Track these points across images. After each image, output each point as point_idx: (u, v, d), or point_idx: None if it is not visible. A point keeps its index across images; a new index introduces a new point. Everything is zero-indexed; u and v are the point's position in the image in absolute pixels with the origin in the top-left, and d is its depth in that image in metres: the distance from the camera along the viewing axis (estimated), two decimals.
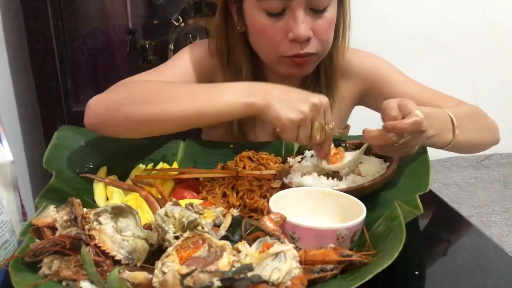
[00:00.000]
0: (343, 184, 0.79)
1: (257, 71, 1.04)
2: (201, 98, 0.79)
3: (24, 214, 0.77)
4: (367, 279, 0.53)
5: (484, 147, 0.99)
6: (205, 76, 1.04)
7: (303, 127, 0.73)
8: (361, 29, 1.92)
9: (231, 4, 0.97)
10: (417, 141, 0.74)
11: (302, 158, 0.87)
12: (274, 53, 0.93)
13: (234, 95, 0.77)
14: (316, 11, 0.89)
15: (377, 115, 1.10)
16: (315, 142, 0.76)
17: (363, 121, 1.14)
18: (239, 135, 1.06)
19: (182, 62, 1.02)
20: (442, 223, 0.86)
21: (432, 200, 0.92)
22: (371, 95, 1.07)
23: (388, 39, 1.98)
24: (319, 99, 0.74)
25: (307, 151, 0.88)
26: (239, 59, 1.01)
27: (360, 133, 0.76)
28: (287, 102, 0.73)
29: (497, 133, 1.02)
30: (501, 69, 2.14)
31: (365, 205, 0.69)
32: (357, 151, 0.83)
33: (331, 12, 0.91)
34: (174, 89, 0.83)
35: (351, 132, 1.16)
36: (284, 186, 0.82)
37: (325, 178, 0.80)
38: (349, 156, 0.85)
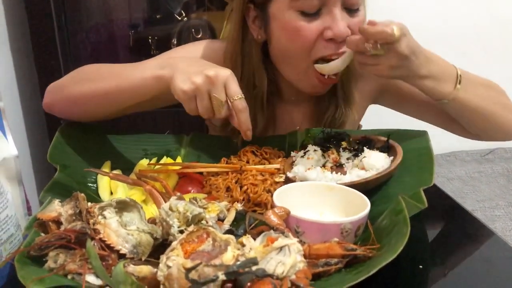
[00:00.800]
0: (347, 178, 0.78)
1: (271, 85, 0.99)
2: (121, 75, 0.83)
3: (29, 208, 0.77)
4: (371, 273, 0.53)
5: (496, 123, 0.92)
6: None
7: (200, 99, 0.74)
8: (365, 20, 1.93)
9: (250, 11, 0.92)
10: (390, 61, 0.76)
11: (305, 153, 0.87)
12: (304, 60, 0.88)
13: (146, 70, 0.80)
14: (350, 11, 0.87)
15: (385, 111, 1.09)
16: (221, 116, 0.76)
17: (373, 117, 1.14)
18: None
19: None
20: (446, 217, 0.86)
21: (436, 194, 0.92)
22: (388, 93, 1.04)
23: None
24: (216, 71, 0.74)
25: (310, 145, 0.88)
26: (255, 74, 0.96)
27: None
28: (184, 74, 0.75)
29: None
30: (504, 61, 2.13)
31: (369, 199, 0.69)
32: (345, 54, 0.83)
33: (362, 13, 0.89)
34: (107, 68, 0.88)
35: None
36: (288, 181, 0.82)
37: (329, 172, 0.80)
38: (346, 155, 0.85)
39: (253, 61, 0.96)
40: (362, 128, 1.15)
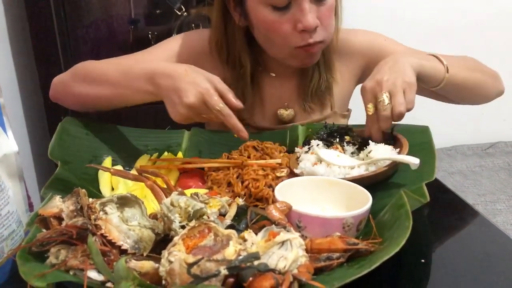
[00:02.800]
0: (355, 172, 0.78)
1: (257, 64, 1.05)
2: (117, 84, 0.90)
3: (30, 204, 0.77)
4: (373, 267, 0.53)
5: (486, 89, 1.01)
6: (203, 66, 1.00)
7: (196, 117, 0.83)
8: (366, 15, 1.92)
9: (231, 1, 0.96)
10: (398, 99, 0.79)
11: (309, 148, 0.87)
12: (286, 46, 0.94)
13: (140, 83, 0.86)
14: (318, 0, 0.91)
15: None
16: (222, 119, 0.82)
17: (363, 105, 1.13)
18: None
19: (154, 52, 1.05)
20: (448, 211, 0.86)
21: (437, 188, 0.92)
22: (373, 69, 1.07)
23: (393, 26, 1.96)
24: (206, 89, 0.80)
25: (313, 140, 0.88)
26: (240, 54, 1.01)
27: (360, 118, 0.85)
28: (172, 101, 0.82)
29: (498, 81, 1.03)
30: (506, 55, 2.12)
31: (371, 193, 0.68)
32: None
33: (331, 0, 0.93)
34: (104, 70, 0.94)
35: (352, 117, 1.16)
36: (293, 176, 0.82)
37: (337, 167, 0.80)
38: (350, 149, 0.85)
39: (237, 44, 1.01)
40: (357, 118, 1.15)
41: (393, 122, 0.87)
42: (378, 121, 0.81)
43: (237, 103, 0.84)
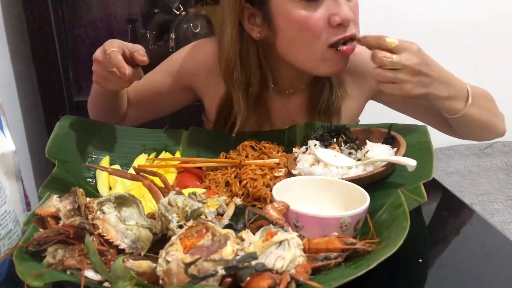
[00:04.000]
0: (352, 173, 0.78)
1: (267, 82, 1.00)
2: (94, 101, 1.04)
3: (27, 204, 0.77)
4: (371, 267, 0.53)
5: (491, 132, 0.99)
6: (206, 79, 1.05)
7: (103, 72, 0.87)
8: (364, 15, 1.91)
9: (245, 11, 0.91)
10: (406, 78, 0.79)
11: (306, 149, 0.87)
12: (318, 46, 0.88)
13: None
14: None
15: (384, 109, 1.09)
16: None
17: (370, 114, 1.14)
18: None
19: (161, 70, 1.10)
20: (445, 211, 0.86)
21: (435, 188, 0.92)
22: (383, 94, 1.04)
23: (390, 25, 1.96)
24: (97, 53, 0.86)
25: (310, 141, 0.88)
26: (251, 73, 0.97)
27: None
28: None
29: (503, 124, 1.01)
30: (504, 55, 2.12)
31: (369, 193, 0.69)
32: None
33: None
34: (93, 98, 1.06)
35: None
36: (292, 176, 0.82)
37: (335, 167, 0.80)
38: (347, 149, 0.85)
39: (250, 61, 0.96)
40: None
41: (389, 123, 0.88)
42: (376, 57, 0.79)
43: (142, 58, 0.83)
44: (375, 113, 1.16)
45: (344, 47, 0.87)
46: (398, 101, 1.05)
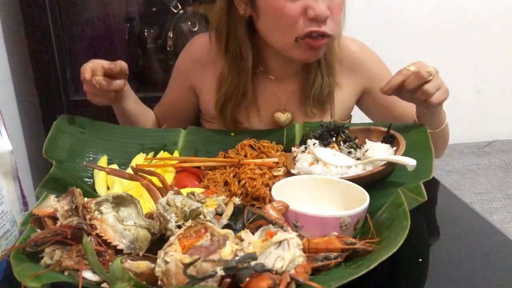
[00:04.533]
0: (352, 172, 0.78)
1: (257, 63, 1.04)
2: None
3: (25, 204, 0.77)
4: (371, 267, 0.52)
5: (441, 150, 1.05)
6: (201, 70, 1.08)
7: (92, 89, 0.95)
8: (363, 14, 1.92)
9: None
10: (440, 81, 0.85)
11: (306, 148, 0.86)
12: (290, 34, 0.92)
13: None
14: None
15: None
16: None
17: (362, 114, 1.14)
18: (234, 125, 1.07)
19: (172, 81, 1.16)
20: (445, 210, 0.86)
21: (434, 187, 0.92)
22: (369, 97, 1.09)
23: (390, 25, 1.97)
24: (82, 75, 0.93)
25: (309, 140, 0.88)
26: (241, 45, 1.00)
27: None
28: None
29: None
30: (503, 54, 2.13)
31: (368, 192, 0.68)
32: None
33: None
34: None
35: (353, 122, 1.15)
36: (291, 176, 0.81)
37: (334, 166, 0.79)
38: (347, 148, 0.85)
39: (238, 35, 1.00)
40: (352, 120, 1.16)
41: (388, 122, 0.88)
42: (411, 80, 0.83)
43: (115, 67, 0.93)
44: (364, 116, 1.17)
45: (310, 40, 0.92)
46: (376, 109, 1.10)
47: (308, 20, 0.90)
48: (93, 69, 0.92)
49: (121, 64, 0.95)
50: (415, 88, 0.83)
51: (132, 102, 1.07)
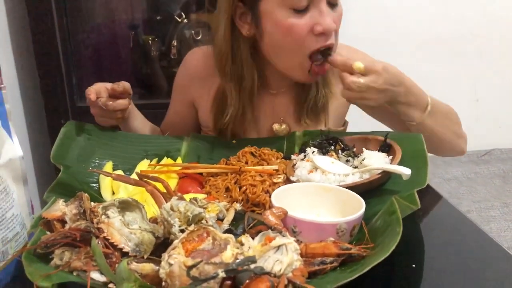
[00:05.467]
0: (349, 180, 0.80)
1: (259, 78, 1.04)
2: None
3: (32, 207, 0.79)
4: (365, 271, 0.55)
5: (448, 149, 1.05)
6: (199, 84, 1.11)
7: (99, 110, 0.99)
8: (362, 23, 1.94)
9: (238, 9, 0.96)
10: (372, 95, 0.88)
11: (305, 156, 0.89)
12: (299, 53, 0.94)
13: None
14: (332, 5, 0.93)
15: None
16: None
17: (359, 117, 1.16)
18: (231, 139, 1.08)
19: (173, 97, 1.19)
20: (440, 218, 0.88)
21: (430, 195, 0.94)
22: None
23: (388, 34, 1.99)
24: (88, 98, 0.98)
25: (308, 148, 0.90)
26: (243, 67, 1.01)
27: (357, 129, 0.89)
28: None
29: (464, 143, 1.07)
30: (501, 63, 2.15)
31: (365, 200, 0.70)
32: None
33: (340, 6, 0.95)
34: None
35: (349, 128, 1.17)
36: (290, 183, 0.83)
37: (332, 174, 0.82)
38: (345, 157, 0.87)
39: (242, 57, 1.01)
40: (348, 126, 1.18)
41: (384, 131, 0.90)
42: (345, 82, 0.87)
43: (118, 88, 0.97)
44: (362, 118, 1.19)
45: (317, 69, 0.95)
46: (373, 108, 1.08)
47: (314, 36, 0.91)
48: (97, 91, 0.96)
49: (124, 84, 0.98)
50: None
51: (139, 121, 1.11)
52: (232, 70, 1.01)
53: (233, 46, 1.00)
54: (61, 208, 0.65)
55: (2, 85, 0.72)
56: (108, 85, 0.98)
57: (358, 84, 0.86)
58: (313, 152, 0.88)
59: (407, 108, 0.94)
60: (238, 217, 0.76)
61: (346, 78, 0.87)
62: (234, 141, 1.05)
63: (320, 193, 0.76)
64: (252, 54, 1.01)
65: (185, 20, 1.68)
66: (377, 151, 0.88)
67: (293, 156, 0.92)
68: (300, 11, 0.91)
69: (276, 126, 1.08)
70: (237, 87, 1.03)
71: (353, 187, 0.77)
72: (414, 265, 0.69)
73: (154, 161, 0.98)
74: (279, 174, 0.88)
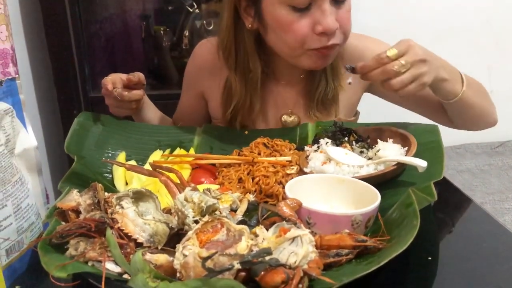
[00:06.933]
0: (364, 171, 0.80)
1: (265, 63, 1.04)
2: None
3: (46, 197, 0.80)
4: (381, 264, 0.54)
5: (485, 119, 1.02)
6: (208, 77, 1.10)
7: (113, 101, 1.01)
8: (376, 14, 1.92)
9: (242, 1, 0.95)
10: (421, 71, 0.80)
11: (318, 147, 0.88)
12: (300, 47, 0.92)
13: None
14: (338, 2, 0.90)
15: (384, 102, 1.10)
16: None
17: (371, 106, 1.14)
18: (240, 129, 1.08)
19: (183, 89, 1.19)
20: (455, 210, 0.87)
21: (445, 186, 0.93)
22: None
23: (403, 24, 1.96)
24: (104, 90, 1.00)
25: (322, 139, 0.89)
26: (249, 59, 1.00)
27: (369, 120, 0.86)
28: None
29: (495, 113, 1.04)
30: None
31: (379, 191, 0.70)
32: None
33: (349, 2, 0.92)
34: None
35: (361, 119, 1.16)
36: (303, 174, 0.83)
37: (346, 166, 0.81)
38: (359, 147, 0.86)
39: (246, 48, 1.00)
40: (365, 120, 1.16)
41: (398, 122, 0.88)
42: (389, 71, 0.80)
43: (134, 78, 0.98)
44: (374, 108, 1.17)
45: (323, 50, 0.91)
46: (390, 92, 1.06)
47: (316, 35, 0.89)
48: (113, 81, 0.97)
49: (139, 75, 0.99)
50: (382, 81, 0.81)
51: (152, 112, 1.12)
52: (237, 61, 1.01)
53: (236, 38, 1.00)
54: (75, 198, 0.65)
55: (17, 75, 0.72)
56: (123, 76, 0.99)
57: (403, 63, 0.79)
58: (326, 143, 0.88)
59: (450, 84, 0.88)
60: (251, 208, 0.76)
61: (388, 66, 0.79)
62: (246, 132, 1.04)
63: (334, 185, 0.76)
64: (258, 46, 1.00)
65: (197, 10, 1.67)
66: (391, 142, 0.87)
67: (306, 147, 0.91)
68: (302, 10, 0.88)
69: (285, 117, 1.07)
70: (243, 79, 1.02)
71: (368, 179, 0.76)
72: (429, 258, 0.68)
73: (167, 151, 0.98)
74: (292, 165, 0.87)
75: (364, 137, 0.90)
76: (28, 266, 0.68)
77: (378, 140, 0.87)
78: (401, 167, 0.81)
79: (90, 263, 0.57)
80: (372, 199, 0.68)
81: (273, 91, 1.08)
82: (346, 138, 0.90)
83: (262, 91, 1.06)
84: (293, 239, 0.57)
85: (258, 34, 0.99)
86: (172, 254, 0.57)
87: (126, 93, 0.98)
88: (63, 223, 0.63)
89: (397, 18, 1.96)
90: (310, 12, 0.89)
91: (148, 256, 0.57)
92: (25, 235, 0.68)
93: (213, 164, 0.93)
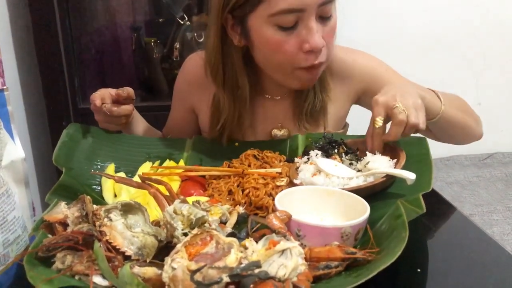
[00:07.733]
0: (353, 183, 0.80)
1: (253, 85, 1.03)
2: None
3: (33, 209, 0.79)
4: (370, 276, 0.54)
5: (470, 132, 1.02)
6: (197, 91, 1.10)
7: (102, 116, 1.00)
8: (365, 27, 1.94)
9: (228, 20, 0.94)
10: (412, 98, 0.82)
11: (308, 159, 0.88)
12: (288, 66, 0.92)
13: None
14: (323, 19, 0.90)
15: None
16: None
17: (360, 118, 1.15)
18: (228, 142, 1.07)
19: (173, 103, 1.19)
20: (444, 222, 0.88)
21: (434, 198, 0.93)
22: (368, 96, 1.06)
23: (391, 37, 1.99)
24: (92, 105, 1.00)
25: (311, 151, 0.90)
26: (237, 75, 1.00)
27: (358, 131, 0.84)
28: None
29: (480, 126, 1.04)
30: (504, 66, 2.14)
31: (369, 203, 0.70)
32: None
33: (334, 18, 0.92)
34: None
35: (350, 131, 1.17)
36: (293, 186, 0.83)
37: (336, 177, 0.81)
38: (348, 160, 0.86)
39: (234, 65, 0.99)
40: (354, 131, 1.17)
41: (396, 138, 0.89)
42: (390, 129, 0.81)
43: (122, 93, 0.98)
44: (363, 120, 1.17)
45: (313, 69, 0.92)
46: None
47: (303, 53, 0.89)
48: (102, 97, 0.97)
49: (128, 90, 0.99)
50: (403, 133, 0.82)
51: (141, 126, 1.11)
52: (225, 78, 1.00)
53: (224, 55, 0.99)
54: (63, 210, 0.64)
55: (5, 87, 0.71)
56: (112, 91, 0.98)
57: (402, 108, 0.80)
58: (316, 155, 0.88)
59: (431, 102, 0.89)
60: (241, 221, 0.75)
61: (395, 120, 0.80)
62: (236, 144, 1.04)
63: (324, 197, 0.76)
64: (246, 62, 0.99)
65: (187, 23, 1.68)
66: (380, 154, 0.87)
67: (296, 159, 0.91)
68: (288, 29, 0.88)
69: (275, 131, 1.07)
70: (231, 96, 1.02)
71: (357, 191, 0.76)
72: (418, 270, 0.68)
73: (157, 163, 0.97)
74: (282, 177, 0.87)
75: (353, 149, 0.90)
76: (14, 280, 0.67)
77: (367, 152, 0.87)
78: (390, 179, 0.81)
79: (77, 277, 0.56)
80: (362, 211, 0.68)
81: (263, 105, 1.08)
82: (336, 150, 0.90)
83: (251, 106, 1.05)
84: (283, 251, 0.56)
85: (246, 50, 0.98)
86: (161, 267, 0.56)
87: (116, 108, 0.97)
88: (50, 236, 0.62)
89: (385, 32, 1.98)
90: (297, 31, 0.88)
91: (136, 269, 0.56)
92: (11, 248, 0.67)
93: (203, 176, 0.92)
